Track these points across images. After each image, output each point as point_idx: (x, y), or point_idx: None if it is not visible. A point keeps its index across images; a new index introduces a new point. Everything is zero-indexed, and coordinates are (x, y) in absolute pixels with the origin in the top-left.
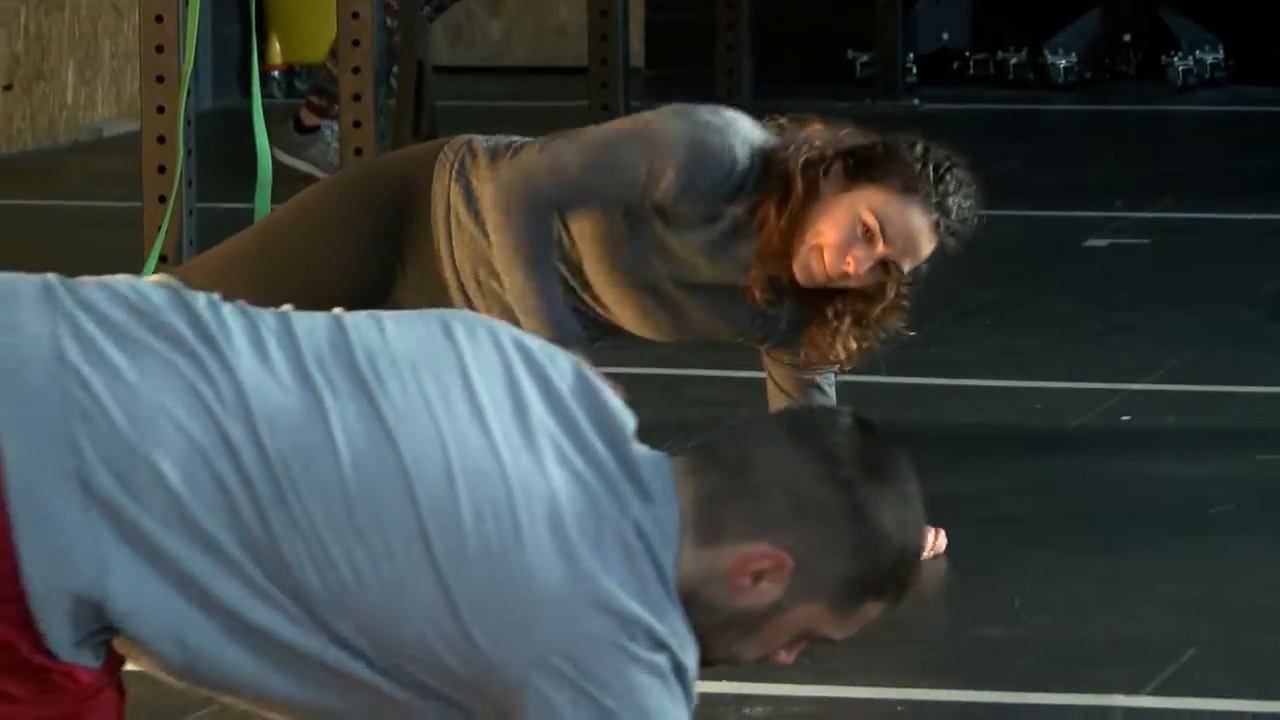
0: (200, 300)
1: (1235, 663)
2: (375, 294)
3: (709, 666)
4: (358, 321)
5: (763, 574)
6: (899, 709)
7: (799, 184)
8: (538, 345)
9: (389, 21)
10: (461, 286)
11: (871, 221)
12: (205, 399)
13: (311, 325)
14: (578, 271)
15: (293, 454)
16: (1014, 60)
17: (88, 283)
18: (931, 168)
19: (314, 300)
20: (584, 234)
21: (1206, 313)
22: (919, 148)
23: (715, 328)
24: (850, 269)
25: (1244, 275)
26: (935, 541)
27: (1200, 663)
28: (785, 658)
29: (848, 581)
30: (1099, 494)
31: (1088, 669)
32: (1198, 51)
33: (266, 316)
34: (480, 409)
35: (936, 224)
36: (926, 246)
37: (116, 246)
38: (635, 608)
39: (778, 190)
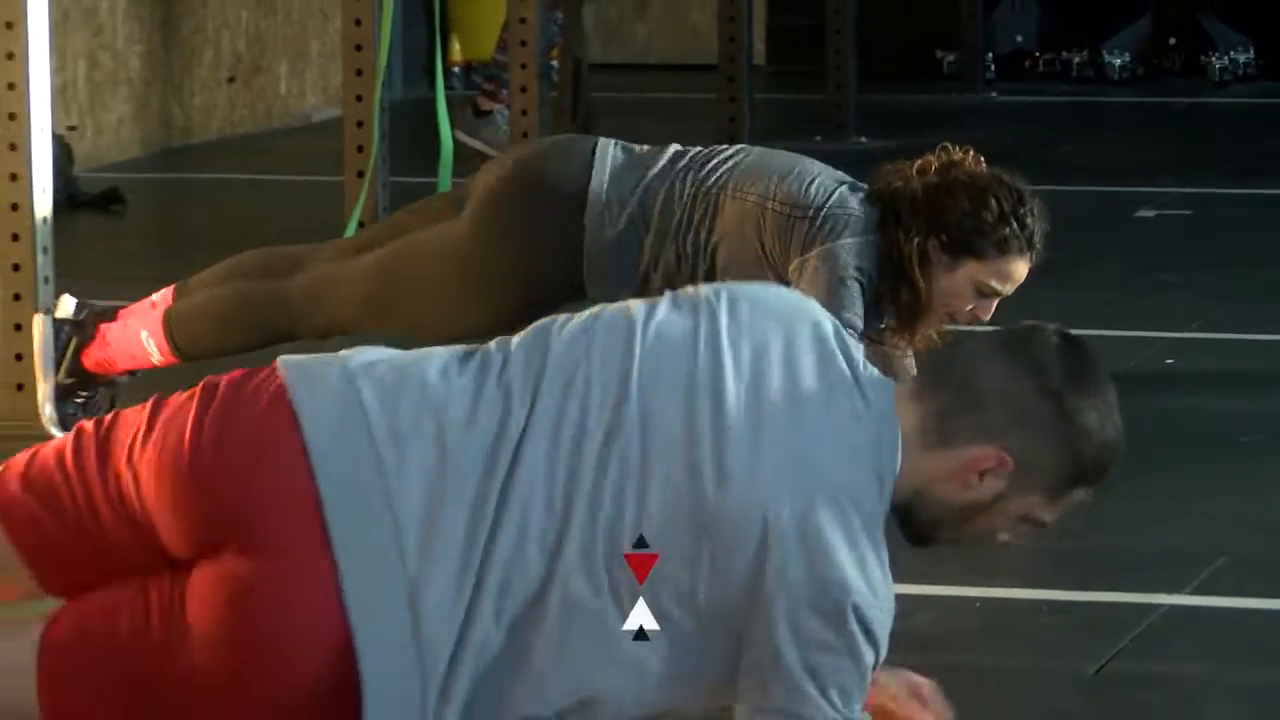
0: None
1: (1263, 568)
2: (551, 303)
3: (936, 546)
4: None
5: (987, 472)
6: (977, 604)
7: (919, 280)
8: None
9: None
10: None
11: (986, 288)
12: None
13: None
14: None
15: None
16: (1076, 59)
17: None
18: (1014, 221)
19: (496, 314)
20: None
21: (1240, 272)
22: (993, 205)
23: None
24: (983, 317)
25: (1273, 241)
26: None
27: (1232, 568)
28: (1006, 539)
29: (1060, 474)
30: (1146, 425)
31: (1136, 573)
32: (1232, 52)
33: None
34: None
35: (1031, 258)
36: (1026, 272)
37: (321, 214)
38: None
39: (902, 284)
